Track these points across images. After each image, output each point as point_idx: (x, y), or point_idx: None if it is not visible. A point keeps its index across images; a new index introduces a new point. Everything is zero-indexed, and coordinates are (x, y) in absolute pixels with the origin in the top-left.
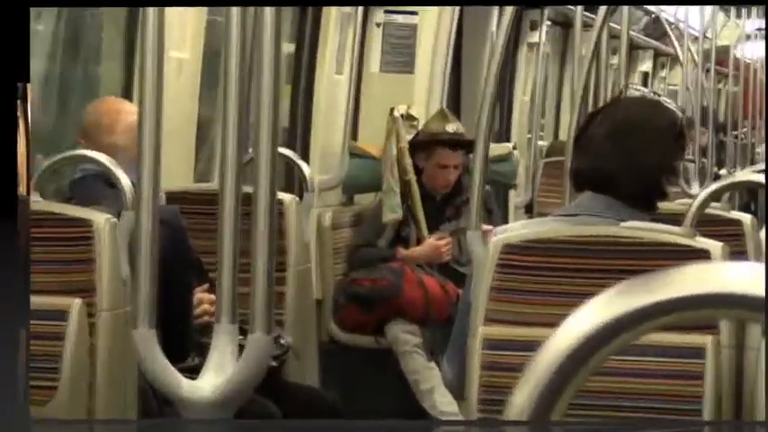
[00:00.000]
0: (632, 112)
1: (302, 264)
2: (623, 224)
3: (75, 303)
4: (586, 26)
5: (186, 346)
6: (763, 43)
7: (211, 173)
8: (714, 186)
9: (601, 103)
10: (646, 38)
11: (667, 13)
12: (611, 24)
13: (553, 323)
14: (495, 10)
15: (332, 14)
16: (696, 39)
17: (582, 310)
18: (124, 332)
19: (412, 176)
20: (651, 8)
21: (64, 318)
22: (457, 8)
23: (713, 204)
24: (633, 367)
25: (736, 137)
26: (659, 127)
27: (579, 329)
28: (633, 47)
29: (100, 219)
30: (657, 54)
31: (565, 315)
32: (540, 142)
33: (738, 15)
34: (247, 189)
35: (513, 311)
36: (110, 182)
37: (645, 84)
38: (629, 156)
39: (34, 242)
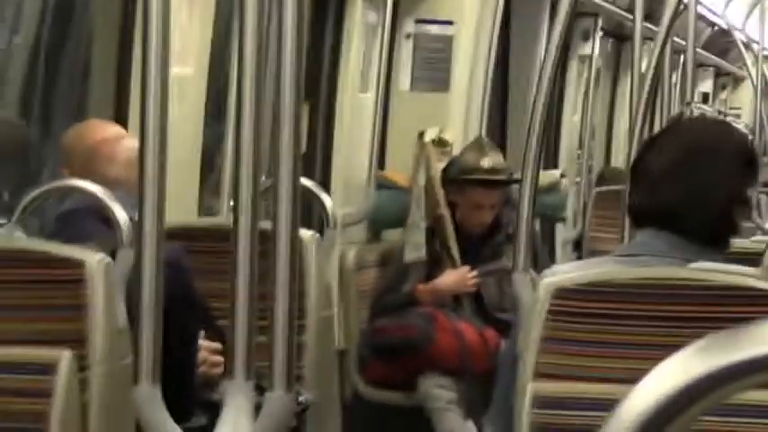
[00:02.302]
0: (695, 135)
1: (323, 310)
2: (691, 265)
3: (65, 356)
4: (645, 38)
5: (191, 403)
6: None
7: (217, 206)
8: None
9: (662, 125)
10: (707, 53)
11: (733, 25)
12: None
13: (613, 378)
14: (546, 16)
15: (356, 23)
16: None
17: (660, 369)
18: (120, 388)
19: (444, 210)
20: (716, 19)
21: (51, 372)
22: (499, 15)
23: None
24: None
25: None
26: (727, 151)
27: (658, 392)
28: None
29: (93, 259)
30: (719, 73)
31: (626, 369)
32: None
33: None
34: (262, 224)
35: (568, 365)
36: (102, 217)
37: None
38: (693, 186)
39: (16, 285)
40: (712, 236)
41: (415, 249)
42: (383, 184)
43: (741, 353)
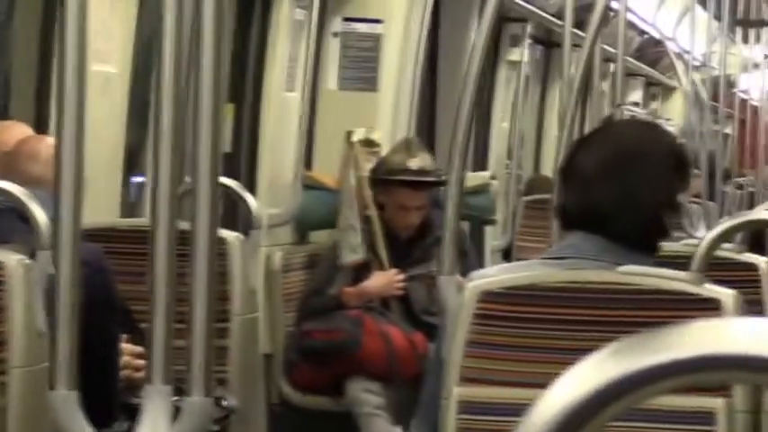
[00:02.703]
0: (626, 137)
1: (248, 312)
2: (620, 269)
3: None
4: (575, 46)
5: (112, 408)
6: None
7: (140, 206)
8: (726, 224)
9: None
10: (637, 62)
11: (664, 34)
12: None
13: (539, 383)
14: (475, 16)
15: (282, 21)
16: (698, 67)
17: (572, 373)
18: (40, 393)
19: (373, 211)
20: (646, 27)
21: None
22: (428, 15)
23: (724, 246)
24: None
25: (740, 186)
26: (658, 154)
27: (569, 396)
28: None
29: (11, 260)
30: (649, 83)
31: (552, 373)
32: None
33: (746, 39)
34: (183, 225)
35: (493, 369)
36: (22, 217)
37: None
38: (624, 188)
39: None
40: (642, 239)
41: (352, 251)
42: (310, 185)
43: (655, 356)
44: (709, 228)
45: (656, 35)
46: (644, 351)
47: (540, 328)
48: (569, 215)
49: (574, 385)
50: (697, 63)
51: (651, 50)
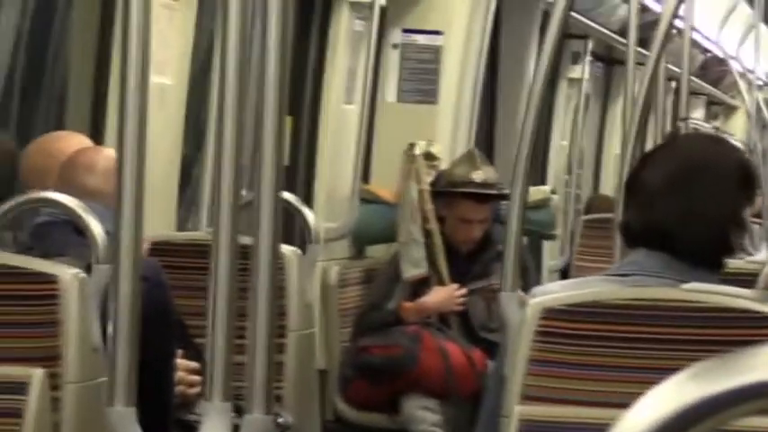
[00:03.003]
0: (692, 151)
1: (304, 328)
2: (684, 286)
3: (37, 374)
4: (638, 63)
5: (167, 425)
6: None
7: (194, 220)
8: None
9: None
10: (699, 80)
11: (727, 53)
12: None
13: (602, 402)
14: (536, 27)
15: (342, 32)
16: (762, 86)
17: (652, 395)
18: (94, 408)
19: (434, 226)
20: (709, 45)
21: (23, 391)
22: (488, 27)
23: None
24: None
25: None
26: (725, 169)
27: (650, 418)
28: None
29: (67, 274)
30: (711, 102)
31: (616, 392)
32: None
33: None
34: (244, 239)
35: (555, 387)
36: (77, 230)
37: None
38: (689, 203)
39: None
40: (707, 256)
41: (415, 265)
42: (367, 199)
43: (737, 378)
44: None
45: (720, 54)
46: (725, 373)
47: (603, 346)
48: (633, 232)
49: (655, 407)
50: (760, 82)
51: (714, 69)
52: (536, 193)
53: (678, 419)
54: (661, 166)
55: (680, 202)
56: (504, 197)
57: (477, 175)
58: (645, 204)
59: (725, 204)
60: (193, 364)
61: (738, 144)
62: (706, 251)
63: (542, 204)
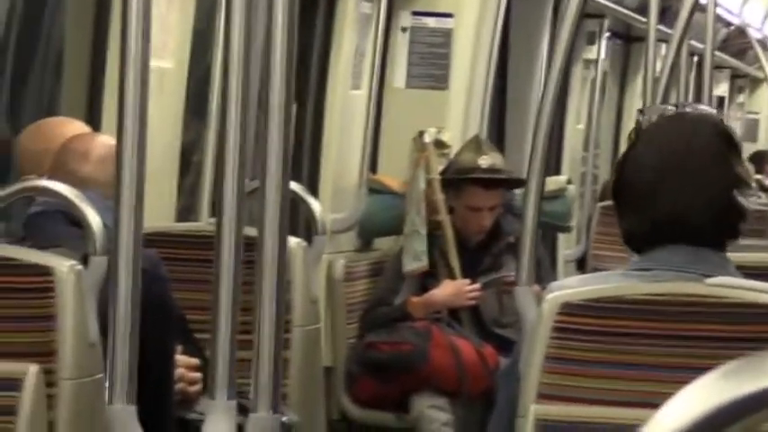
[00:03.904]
0: (670, 139)
1: (309, 323)
2: (709, 280)
3: (32, 370)
4: (658, 40)
5: (167, 423)
6: None
7: (195, 210)
8: None
9: None
10: (722, 54)
11: (751, 24)
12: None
13: (622, 401)
14: (549, 11)
15: (348, 15)
16: None
17: (682, 395)
18: (90, 405)
19: (445, 216)
20: (733, 19)
21: (17, 387)
22: (502, 10)
23: None
24: None
25: None
26: (707, 141)
27: (680, 419)
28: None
29: (62, 266)
30: (735, 75)
31: (636, 391)
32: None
33: None
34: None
35: (573, 386)
36: (73, 220)
37: (720, 111)
38: (690, 190)
39: None
40: (720, 226)
41: (416, 259)
42: (375, 189)
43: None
44: None
45: (741, 25)
46: (757, 373)
47: (623, 343)
48: (641, 236)
49: (685, 408)
50: None
51: (737, 41)
52: (551, 183)
53: (709, 421)
54: (644, 163)
55: (680, 191)
56: (513, 182)
57: (484, 161)
58: (643, 206)
59: (721, 176)
60: (194, 361)
61: (703, 109)
62: (720, 223)
63: (557, 195)
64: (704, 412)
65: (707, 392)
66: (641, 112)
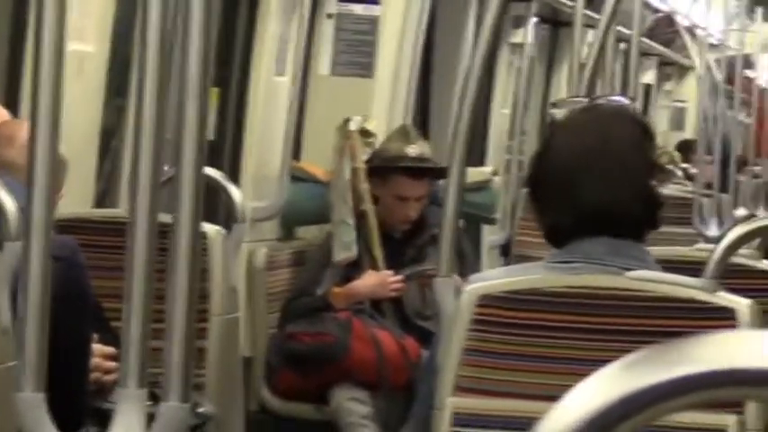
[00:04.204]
0: (585, 132)
1: (228, 313)
2: (629, 274)
3: None
4: (585, 26)
5: (81, 413)
6: None
7: (113, 196)
8: (743, 229)
9: None
10: (650, 41)
11: (678, 11)
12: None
13: (539, 395)
14: (474, 1)
15: (273, 0)
16: (714, 46)
17: (582, 387)
18: (3, 394)
19: (369, 206)
20: (661, 5)
21: None
22: None
23: (739, 251)
24: None
25: (757, 176)
26: (623, 130)
27: (579, 411)
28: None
29: None
30: (663, 63)
31: (554, 385)
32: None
33: None
34: (163, 217)
35: (491, 379)
36: None
37: (647, 98)
38: (612, 180)
39: None
40: (643, 219)
41: (345, 248)
42: (298, 177)
43: (670, 371)
44: (721, 223)
45: (669, 12)
46: (659, 365)
47: (542, 336)
48: (564, 230)
49: (584, 400)
50: (714, 41)
51: (665, 29)
52: (476, 174)
53: (606, 414)
54: (562, 157)
55: (602, 183)
56: (441, 172)
57: (413, 150)
58: (565, 200)
59: (641, 164)
60: (109, 350)
61: (616, 100)
62: (639, 219)
63: (482, 186)
64: (601, 405)
65: (606, 385)
66: (554, 105)
